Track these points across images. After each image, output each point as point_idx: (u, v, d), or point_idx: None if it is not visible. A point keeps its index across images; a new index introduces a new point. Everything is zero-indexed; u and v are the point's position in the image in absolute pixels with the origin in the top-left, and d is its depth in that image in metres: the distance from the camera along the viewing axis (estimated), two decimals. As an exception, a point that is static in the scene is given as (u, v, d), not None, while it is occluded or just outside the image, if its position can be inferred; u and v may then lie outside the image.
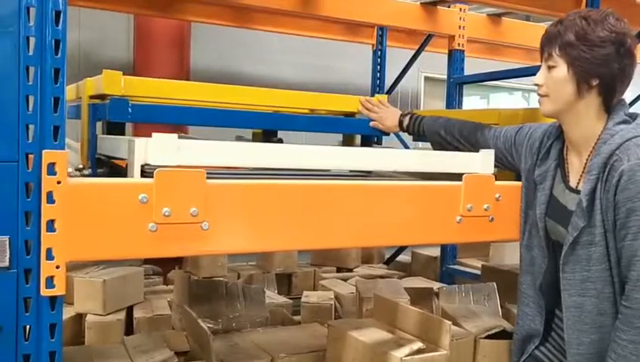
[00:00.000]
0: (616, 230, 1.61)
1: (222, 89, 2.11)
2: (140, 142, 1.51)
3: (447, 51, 4.66)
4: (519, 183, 2.11)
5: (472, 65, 4.86)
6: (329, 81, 6.16)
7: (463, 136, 2.09)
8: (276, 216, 1.61)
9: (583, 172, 1.73)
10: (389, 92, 5.14)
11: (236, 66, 5.72)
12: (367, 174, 2.14)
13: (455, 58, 4.58)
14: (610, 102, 1.69)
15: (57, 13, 1.34)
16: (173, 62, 4.90)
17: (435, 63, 5.52)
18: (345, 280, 4.07)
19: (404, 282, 3.72)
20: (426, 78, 6.75)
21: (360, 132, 2.36)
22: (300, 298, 3.49)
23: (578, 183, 1.74)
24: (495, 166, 1.94)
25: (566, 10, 3.64)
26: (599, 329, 1.67)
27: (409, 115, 2.25)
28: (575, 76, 1.66)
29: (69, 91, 2.30)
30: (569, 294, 1.72)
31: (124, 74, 1.90)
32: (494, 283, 2.93)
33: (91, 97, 2.04)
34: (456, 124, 2.13)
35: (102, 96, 1.95)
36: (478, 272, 3.81)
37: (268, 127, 2.28)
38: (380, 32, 5.05)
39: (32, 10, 1.32)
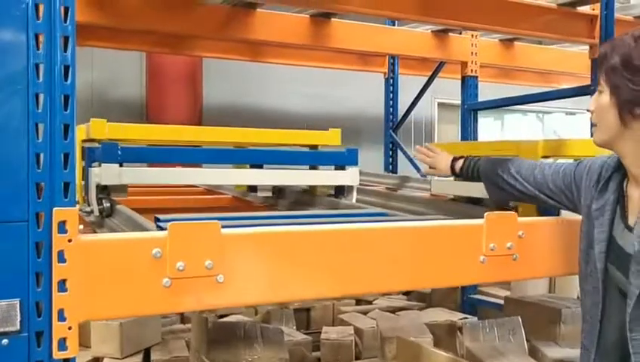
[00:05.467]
0: None
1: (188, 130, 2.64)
2: (95, 169, 2.18)
3: (460, 77, 4.64)
4: (542, 219, 2.05)
5: (486, 88, 4.82)
6: (339, 111, 6.12)
7: (521, 174, 1.88)
8: (293, 265, 1.56)
9: None
10: (402, 119, 5.11)
11: (246, 99, 5.72)
12: (385, 215, 2.09)
13: (468, 84, 4.55)
14: None
15: (66, 68, 1.32)
16: (187, 97, 4.91)
17: (448, 89, 5.50)
18: (364, 313, 4.00)
19: (424, 314, 3.64)
20: (440, 104, 6.71)
21: (323, 163, 2.65)
22: (319, 333, 3.43)
23: (636, 221, 1.51)
24: (556, 206, 1.85)
25: (578, 36, 3.62)
26: None
27: (462, 158, 2.12)
28: (617, 104, 1.46)
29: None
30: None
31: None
32: (519, 318, 2.85)
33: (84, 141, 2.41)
34: (514, 161, 1.94)
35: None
36: (500, 301, 3.72)
37: (235, 162, 2.70)
38: (392, 61, 5.04)
39: (41, 67, 1.29)
